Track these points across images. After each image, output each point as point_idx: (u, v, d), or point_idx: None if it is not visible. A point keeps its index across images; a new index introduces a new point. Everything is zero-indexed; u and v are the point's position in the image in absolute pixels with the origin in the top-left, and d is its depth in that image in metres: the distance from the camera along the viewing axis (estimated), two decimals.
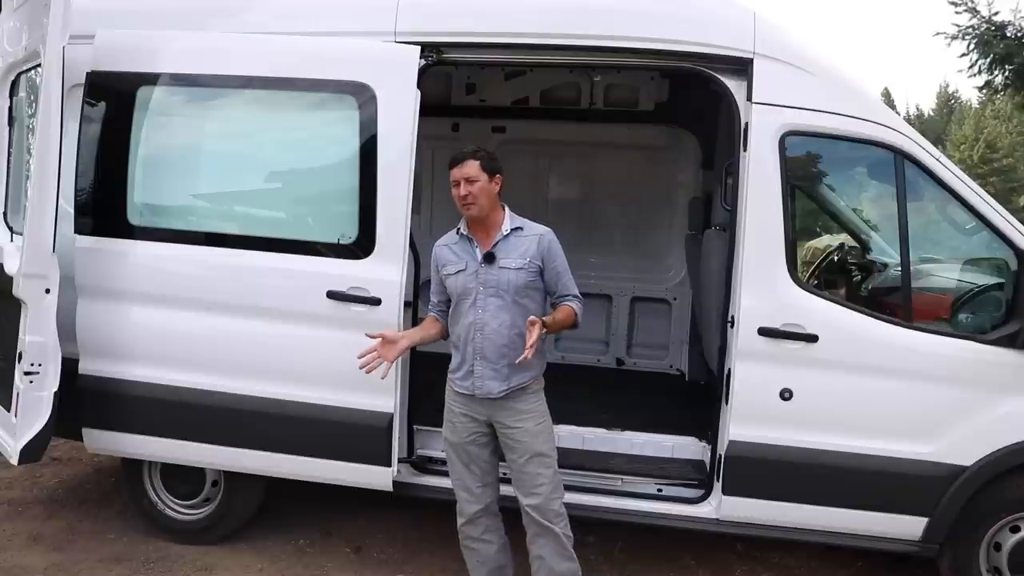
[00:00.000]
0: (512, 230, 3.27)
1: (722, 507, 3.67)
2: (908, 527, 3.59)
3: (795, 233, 3.75)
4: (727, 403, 3.65)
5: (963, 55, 10.12)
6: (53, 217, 3.54)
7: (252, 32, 3.84)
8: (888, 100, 59.05)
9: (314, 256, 3.75)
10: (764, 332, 3.53)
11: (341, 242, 3.73)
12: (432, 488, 3.88)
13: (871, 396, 3.54)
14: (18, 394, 3.57)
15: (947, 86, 69.68)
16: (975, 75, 10.20)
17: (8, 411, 3.68)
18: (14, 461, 3.66)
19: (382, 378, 3.34)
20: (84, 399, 3.90)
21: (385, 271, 3.64)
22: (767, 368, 3.57)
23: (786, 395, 3.56)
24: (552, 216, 4.97)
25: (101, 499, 4.72)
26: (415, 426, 3.98)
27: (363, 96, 3.64)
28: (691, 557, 4.26)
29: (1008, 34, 9.81)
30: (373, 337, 3.30)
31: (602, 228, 5.96)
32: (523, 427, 3.27)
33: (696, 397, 4.77)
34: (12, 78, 4.15)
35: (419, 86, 3.63)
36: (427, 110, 3.71)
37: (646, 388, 5.51)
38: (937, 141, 39.44)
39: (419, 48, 3.64)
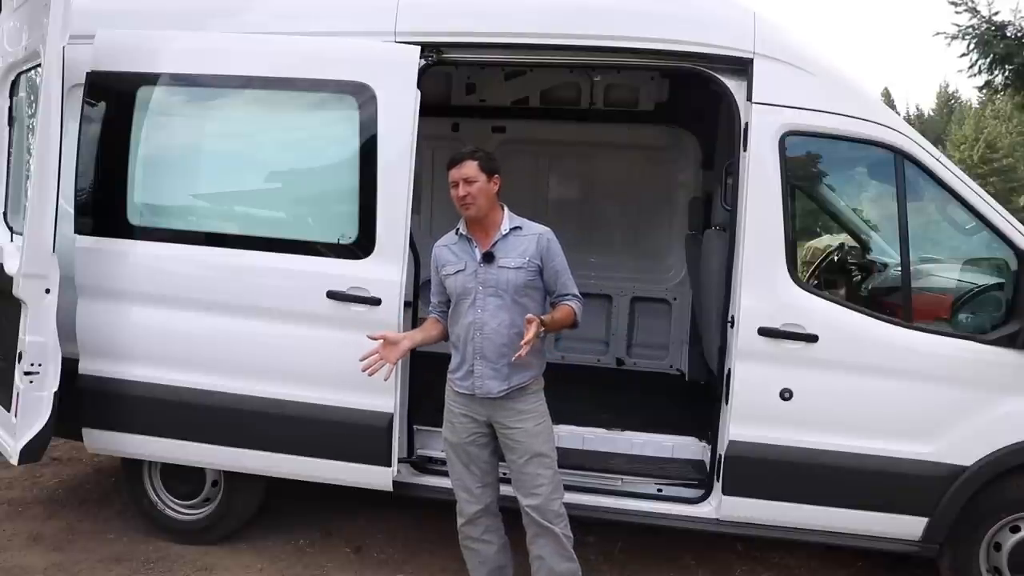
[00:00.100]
0: (511, 230, 3.27)
1: (722, 507, 3.67)
2: (908, 527, 3.59)
3: (795, 233, 3.75)
4: (727, 403, 3.65)
5: (963, 55, 10.14)
6: (53, 217, 3.54)
7: (252, 32, 3.84)
8: (888, 100, 59.05)
9: (314, 256, 3.75)
10: (764, 332, 3.53)
11: (341, 242, 3.73)
12: (432, 488, 3.88)
13: (871, 396, 3.54)
14: (18, 394, 3.57)
15: (947, 86, 69.81)
16: (975, 75, 10.22)
17: (8, 411, 3.68)
18: (14, 461, 3.66)
19: (384, 380, 3.34)
20: (84, 399, 3.90)
21: (385, 271, 3.64)
22: (767, 368, 3.56)
23: (786, 395, 3.56)
24: (552, 216, 4.96)
25: (101, 499, 4.72)
26: (415, 426, 3.98)
27: (363, 96, 3.64)
28: (691, 557, 4.26)
29: (1008, 34, 9.81)
30: (374, 339, 3.30)
31: (602, 228, 5.96)
32: (523, 427, 3.27)
33: (696, 397, 4.77)
34: (12, 78, 4.15)
35: (419, 86, 3.63)
36: (427, 110, 3.71)
37: (646, 388, 5.51)
38: (937, 141, 39.44)
39: (419, 48, 3.64)
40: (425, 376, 3.87)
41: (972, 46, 9.98)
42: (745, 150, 3.57)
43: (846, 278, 4.79)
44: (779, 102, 3.54)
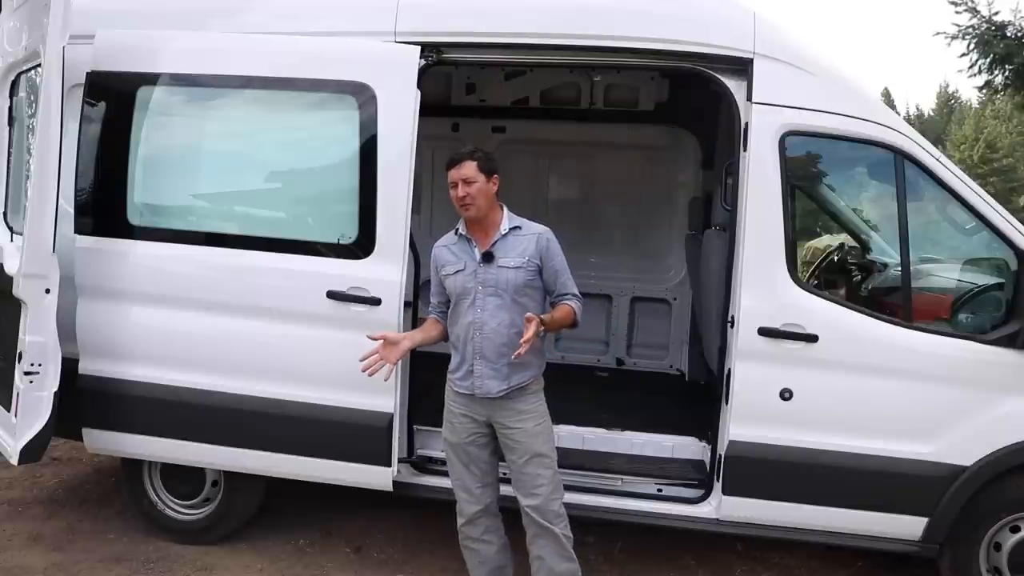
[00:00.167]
0: (510, 229, 3.27)
1: (722, 507, 3.67)
2: (908, 527, 3.59)
3: (795, 233, 3.75)
4: (727, 403, 3.65)
5: (963, 55, 10.14)
6: (53, 217, 3.54)
7: (252, 32, 3.84)
8: (888, 100, 59.04)
9: (314, 256, 3.75)
10: (764, 332, 3.53)
11: (341, 242, 3.73)
12: (432, 488, 3.88)
13: (871, 396, 3.54)
14: (18, 394, 3.57)
15: (947, 86, 69.79)
16: (975, 75, 10.22)
17: (8, 411, 3.68)
18: (14, 461, 3.66)
19: (384, 380, 3.34)
20: (84, 399, 3.90)
21: (385, 271, 3.64)
22: (767, 368, 3.57)
23: (786, 395, 3.56)
24: (552, 216, 4.97)
25: (101, 499, 4.72)
26: (415, 426, 3.98)
27: (363, 96, 3.64)
28: (691, 557, 4.26)
29: (1008, 34, 9.81)
30: (375, 339, 3.30)
31: (602, 228, 5.96)
32: (523, 427, 3.27)
33: (696, 397, 4.77)
34: (12, 78, 4.15)
35: (419, 86, 3.63)
36: (427, 110, 3.71)
37: (646, 388, 5.51)
38: (937, 141, 39.44)
39: (419, 48, 3.64)
40: (425, 376, 3.87)
41: (972, 46, 9.98)
42: (745, 150, 3.57)
43: (846, 278, 4.79)
44: (779, 102, 3.54)
